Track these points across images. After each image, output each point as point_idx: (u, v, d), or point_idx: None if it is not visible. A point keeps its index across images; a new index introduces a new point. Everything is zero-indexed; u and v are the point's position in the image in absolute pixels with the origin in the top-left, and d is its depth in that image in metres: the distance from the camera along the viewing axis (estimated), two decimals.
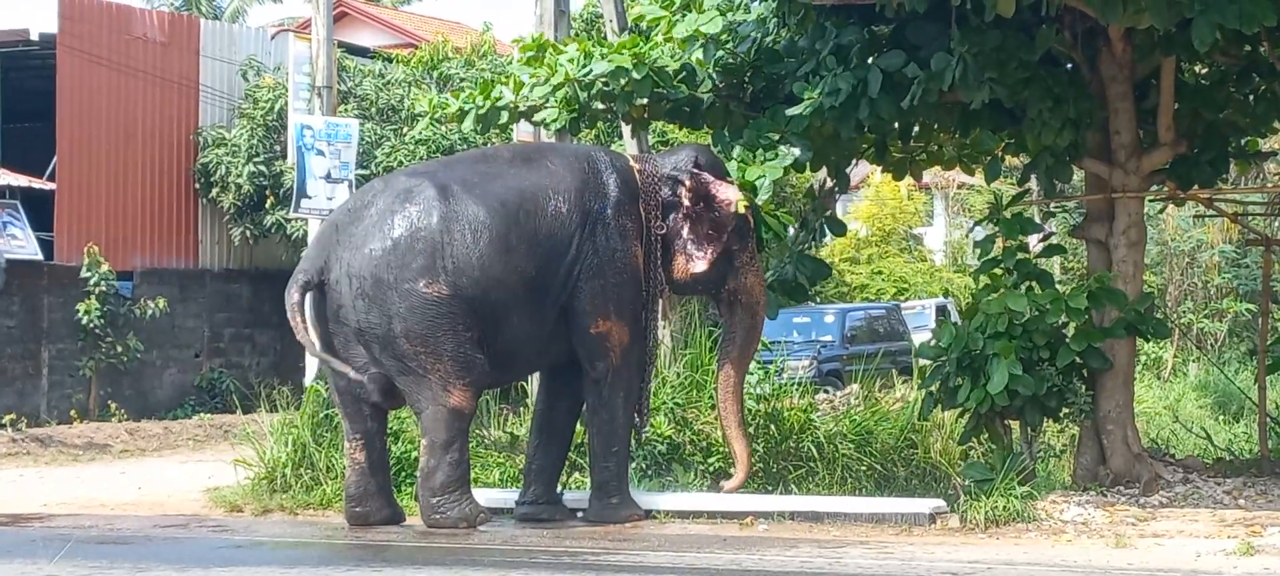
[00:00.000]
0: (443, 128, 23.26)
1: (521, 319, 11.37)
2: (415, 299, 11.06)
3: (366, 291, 11.13)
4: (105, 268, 21.94)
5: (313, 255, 11.61)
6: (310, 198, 17.47)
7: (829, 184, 13.46)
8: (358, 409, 11.48)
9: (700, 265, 11.80)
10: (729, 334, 12.15)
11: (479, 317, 11.19)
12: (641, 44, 12.60)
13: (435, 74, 24.89)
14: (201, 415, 22.31)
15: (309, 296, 11.34)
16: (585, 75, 12.50)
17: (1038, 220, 15.17)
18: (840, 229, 14.20)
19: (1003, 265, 12.17)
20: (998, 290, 12.05)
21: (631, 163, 12.05)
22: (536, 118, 12.94)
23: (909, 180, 16.13)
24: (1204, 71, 13.05)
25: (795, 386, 13.85)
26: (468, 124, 13.21)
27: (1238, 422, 18.56)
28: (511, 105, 12.92)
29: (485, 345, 11.27)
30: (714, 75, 12.57)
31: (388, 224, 11.22)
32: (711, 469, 12.69)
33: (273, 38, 25.73)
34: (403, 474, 12.58)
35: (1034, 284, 12.04)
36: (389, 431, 12.09)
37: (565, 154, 12.02)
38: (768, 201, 12.08)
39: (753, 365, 12.91)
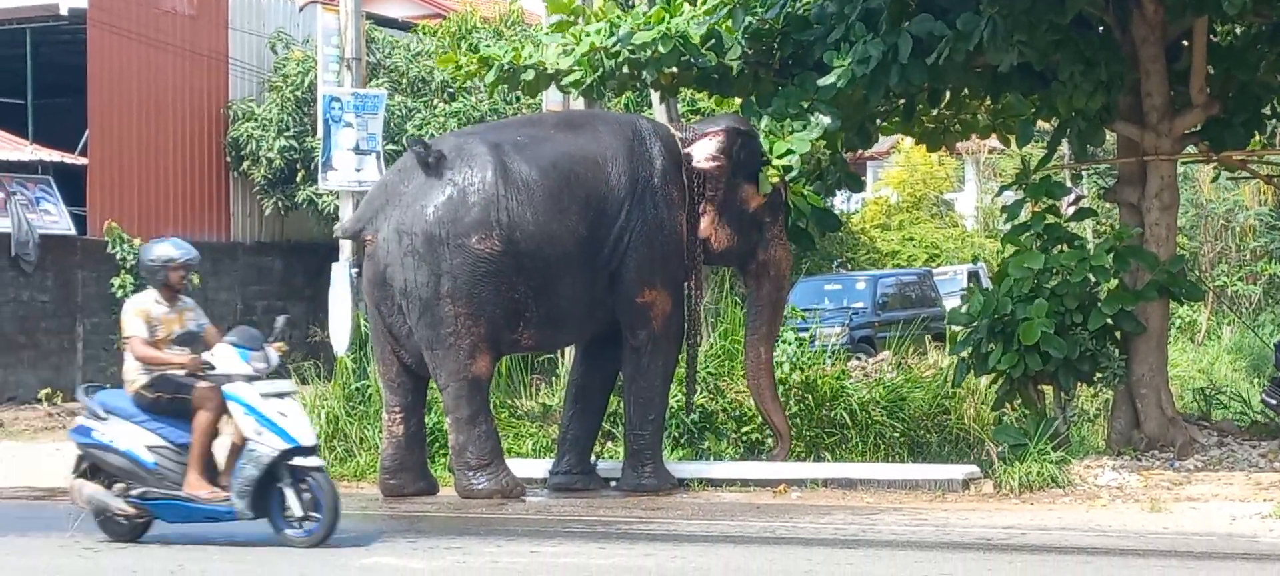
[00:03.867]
0: (473, 99, 23.22)
1: (573, 280, 11.35)
2: (467, 254, 11.04)
3: (417, 248, 11.11)
4: (137, 242, 21.96)
5: (362, 214, 11.58)
6: (336, 170, 17.40)
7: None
8: (398, 382, 11.51)
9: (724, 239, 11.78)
10: (756, 308, 12.12)
11: (530, 276, 11.18)
12: (666, 15, 12.52)
13: (464, 45, 24.82)
14: None
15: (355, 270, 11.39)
16: (612, 44, 12.46)
17: (1068, 183, 15.09)
18: (857, 185, 14.15)
19: (1032, 229, 12.13)
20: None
21: (673, 132, 12.03)
22: (564, 82, 12.85)
23: None
24: (1236, 32, 12.94)
25: (827, 354, 13.83)
26: (490, 77, 13.04)
27: None
28: (538, 65, 12.83)
29: (536, 305, 11.25)
30: (742, 41, 12.51)
31: (441, 180, 11.20)
32: (745, 438, 12.69)
33: (301, 10, 25.65)
34: (437, 443, 12.60)
35: (1064, 247, 12.00)
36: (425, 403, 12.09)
37: (610, 122, 12.00)
38: (795, 178, 12.04)
39: (788, 332, 12.89)
